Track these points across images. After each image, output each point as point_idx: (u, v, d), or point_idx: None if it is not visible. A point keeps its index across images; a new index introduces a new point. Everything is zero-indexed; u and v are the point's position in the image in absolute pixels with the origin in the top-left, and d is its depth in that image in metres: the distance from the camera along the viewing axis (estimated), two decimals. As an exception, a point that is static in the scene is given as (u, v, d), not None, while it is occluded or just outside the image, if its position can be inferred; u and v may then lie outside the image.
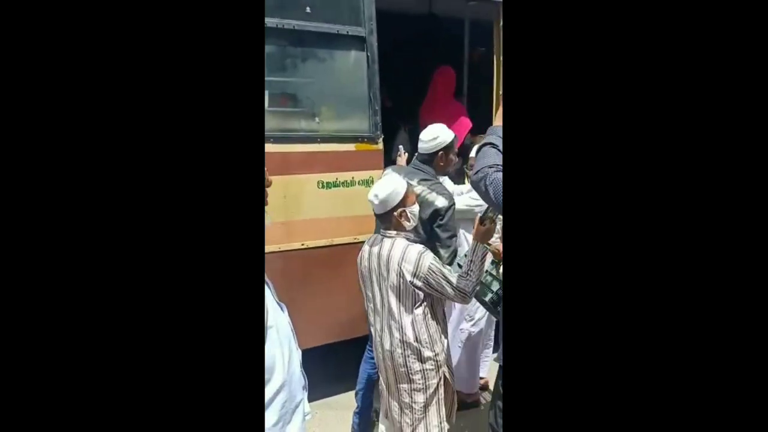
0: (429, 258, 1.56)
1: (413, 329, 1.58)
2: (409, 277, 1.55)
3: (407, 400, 1.65)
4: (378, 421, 2.30)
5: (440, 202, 1.90)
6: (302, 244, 2.22)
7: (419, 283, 1.55)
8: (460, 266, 1.69)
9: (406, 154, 2.28)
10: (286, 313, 1.21)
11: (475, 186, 1.42)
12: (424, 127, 2.03)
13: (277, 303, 1.17)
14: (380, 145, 2.32)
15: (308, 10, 2.09)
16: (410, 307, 1.58)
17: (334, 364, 2.54)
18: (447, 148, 1.99)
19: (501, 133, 1.45)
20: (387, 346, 1.64)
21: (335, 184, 2.24)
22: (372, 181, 2.30)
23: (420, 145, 1.98)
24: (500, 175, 1.37)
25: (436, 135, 1.97)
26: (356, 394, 2.20)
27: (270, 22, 2.02)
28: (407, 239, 1.62)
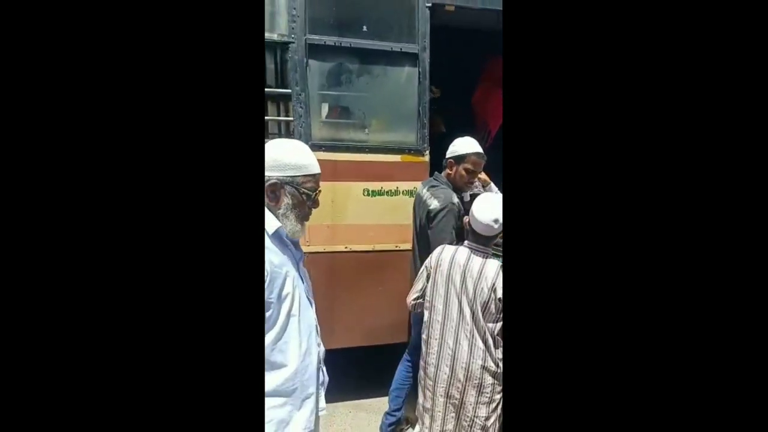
0: None
1: (494, 344, 1.64)
2: (500, 295, 1.61)
3: (470, 413, 1.67)
4: (406, 428, 2.33)
5: (433, 204, 1.96)
6: (346, 247, 2.34)
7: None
8: None
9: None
10: (314, 309, 1.26)
11: None
12: (479, 118, 2.07)
13: (308, 299, 1.23)
14: (426, 158, 2.40)
15: (365, 28, 2.24)
16: (494, 323, 1.64)
17: (371, 367, 2.61)
18: (457, 159, 2.04)
19: None
20: (464, 358, 1.65)
21: (380, 193, 2.35)
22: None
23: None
24: None
25: (454, 143, 2.06)
26: (389, 395, 2.25)
27: (329, 40, 2.18)
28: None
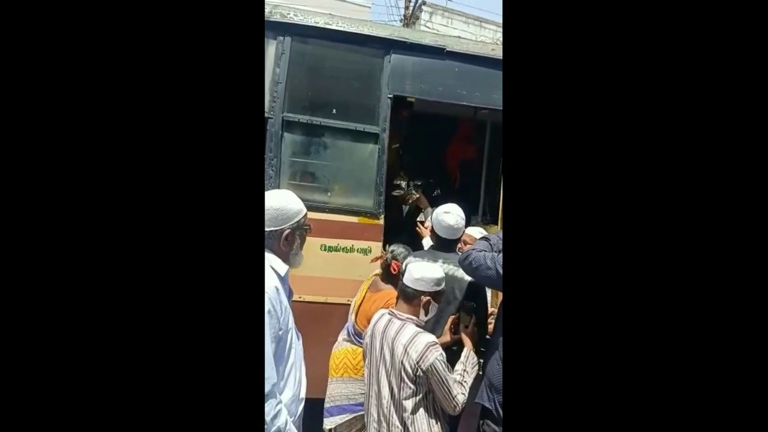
0: (436, 354, 1.48)
1: (412, 425, 1.47)
2: (411, 365, 1.48)
3: None
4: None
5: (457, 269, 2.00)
6: (300, 297, 2.53)
7: (420, 374, 1.48)
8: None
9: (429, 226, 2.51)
10: (301, 342, 1.44)
11: (464, 268, 1.65)
12: (451, 171, 2.30)
13: (297, 333, 1.44)
14: (381, 221, 2.68)
15: (334, 111, 2.68)
16: (409, 397, 1.49)
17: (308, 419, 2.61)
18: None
19: (499, 237, 1.69)
20: None
21: (336, 249, 2.59)
22: (370, 251, 2.62)
23: (444, 231, 2.06)
24: (482, 254, 1.58)
25: (460, 224, 2.06)
26: None
27: (302, 118, 2.61)
28: (417, 326, 1.59)
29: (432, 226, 2.17)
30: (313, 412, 2.52)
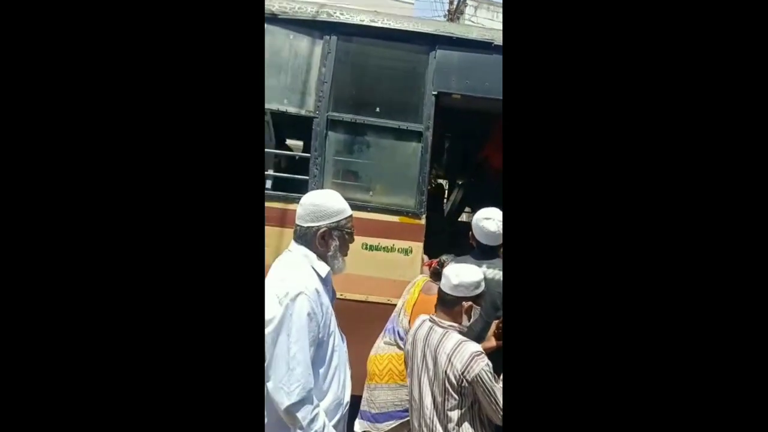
0: (482, 364, 1.43)
1: None
2: (456, 375, 1.43)
3: None
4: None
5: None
6: (341, 294, 2.55)
7: (466, 385, 1.43)
8: None
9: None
10: (345, 344, 1.43)
11: None
12: (494, 170, 2.22)
13: (341, 335, 1.43)
14: (423, 221, 2.65)
15: (377, 109, 2.67)
16: (454, 407, 1.44)
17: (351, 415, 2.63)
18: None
19: None
20: None
21: (377, 248, 2.59)
22: (411, 251, 2.60)
23: (485, 238, 2.01)
24: None
25: (502, 229, 1.95)
26: None
27: (346, 117, 2.62)
28: (461, 333, 1.54)
29: (472, 233, 2.10)
30: (353, 411, 2.58)
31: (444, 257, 2.15)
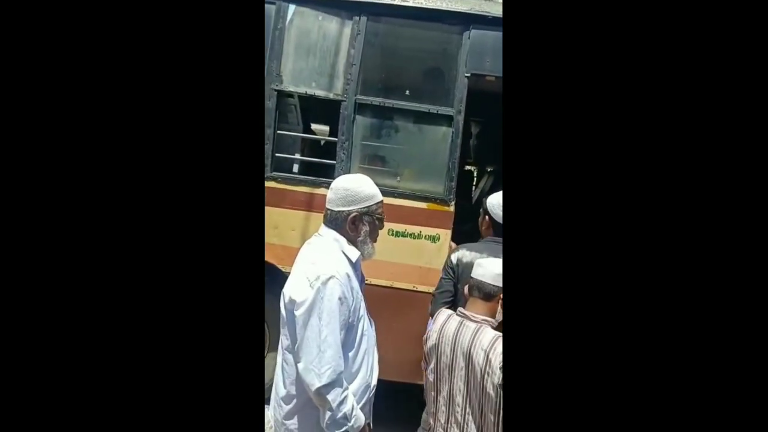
0: None
1: None
2: (493, 372, 1.31)
3: None
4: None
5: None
6: (367, 280, 2.53)
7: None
8: None
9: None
10: (374, 329, 1.45)
11: None
12: None
13: (370, 319, 1.44)
14: (452, 208, 2.58)
15: (407, 92, 2.60)
16: (489, 409, 1.33)
17: (386, 403, 2.63)
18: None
19: None
20: None
21: (404, 234, 2.55)
22: (439, 239, 2.55)
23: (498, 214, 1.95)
24: None
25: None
26: None
27: (375, 100, 2.56)
28: (494, 328, 1.42)
29: (488, 217, 1.99)
30: (377, 394, 2.57)
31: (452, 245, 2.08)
